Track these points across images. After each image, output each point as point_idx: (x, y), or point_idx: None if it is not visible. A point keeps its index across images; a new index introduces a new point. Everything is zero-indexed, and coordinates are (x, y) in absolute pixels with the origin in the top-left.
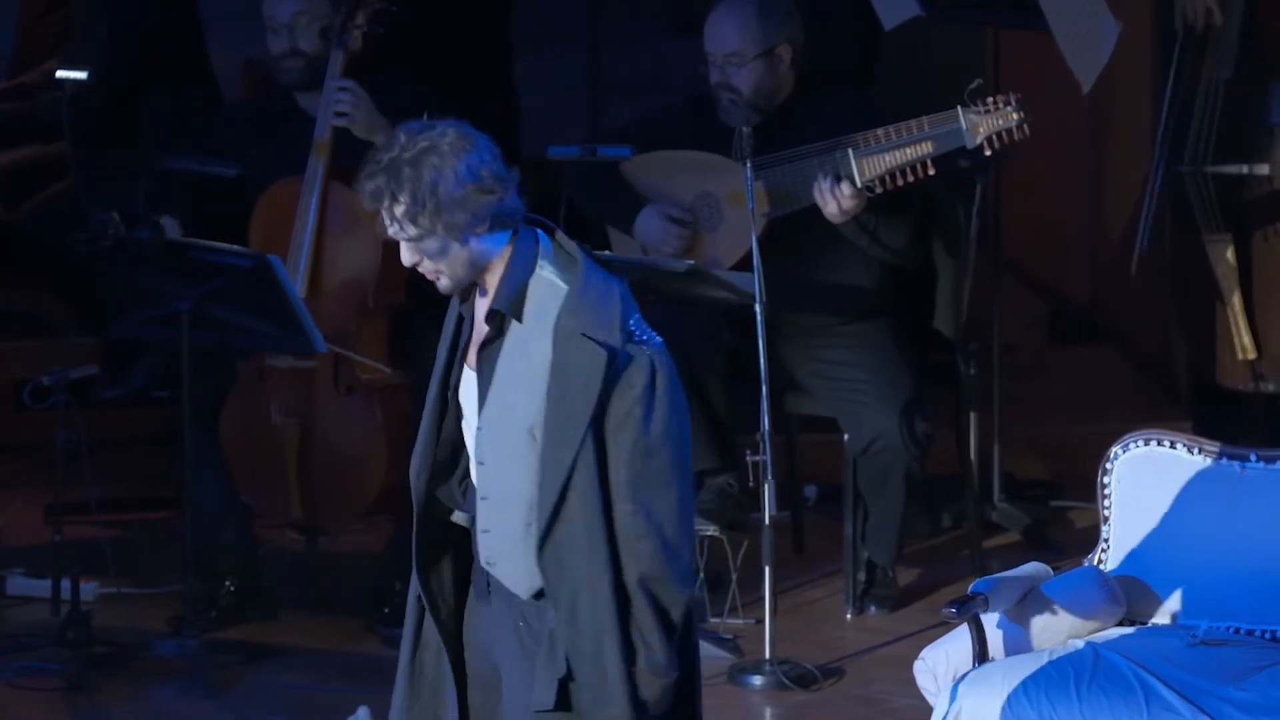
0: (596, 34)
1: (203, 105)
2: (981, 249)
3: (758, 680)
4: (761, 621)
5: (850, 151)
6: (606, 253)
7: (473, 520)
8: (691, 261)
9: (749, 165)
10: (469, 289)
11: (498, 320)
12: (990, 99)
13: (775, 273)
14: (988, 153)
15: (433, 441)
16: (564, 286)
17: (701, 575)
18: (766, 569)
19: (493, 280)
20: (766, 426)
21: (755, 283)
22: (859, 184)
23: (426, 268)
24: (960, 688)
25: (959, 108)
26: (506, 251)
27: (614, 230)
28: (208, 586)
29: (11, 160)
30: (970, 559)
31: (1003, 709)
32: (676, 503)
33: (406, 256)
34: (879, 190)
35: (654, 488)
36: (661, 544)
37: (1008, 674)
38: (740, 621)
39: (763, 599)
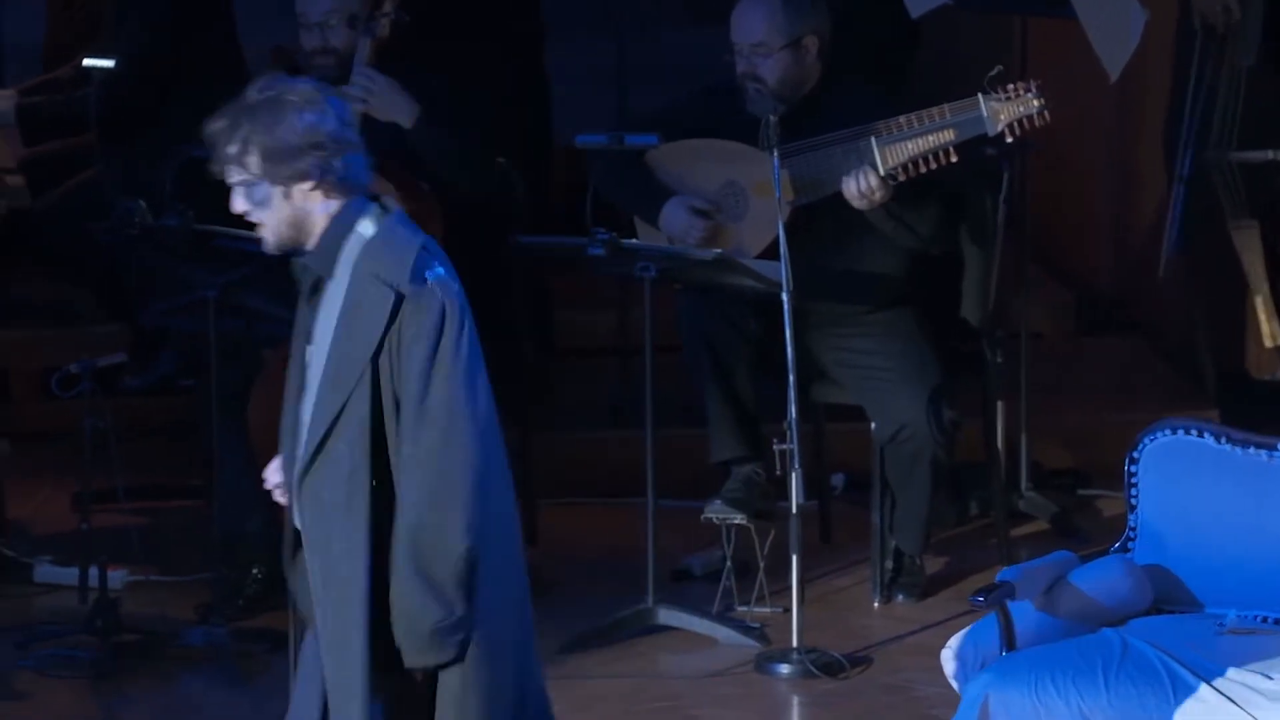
0: (623, 21)
1: (232, 93)
2: (1008, 237)
3: (785, 669)
4: (789, 610)
5: (873, 139)
6: (634, 240)
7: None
8: (719, 250)
9: (776, 154)
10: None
11: (310, 277)
12: (1011, 85)
13: (801, 261)
14: (1009, 139)
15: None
16: (368, 237)
17: (729, 563)
18: (794, 558)
19: (312, 243)
20: (793, 415)
21: (782, 271)
22: (882, 172)
23: (255, 218)
24: (987, 676)
25: (979, 95)
26: (329, 216)
27: (640, 220)
28: (235, 574)
29: (41, 151)
30: (997, 547)
31: (1030, 697)
32: (461, 449)
33: (237, 203)
34: (901, 178)
35: (437, 427)
36: (439, 485)
37: (1035, 662)
38: (767, 610)
39: (790, 588)
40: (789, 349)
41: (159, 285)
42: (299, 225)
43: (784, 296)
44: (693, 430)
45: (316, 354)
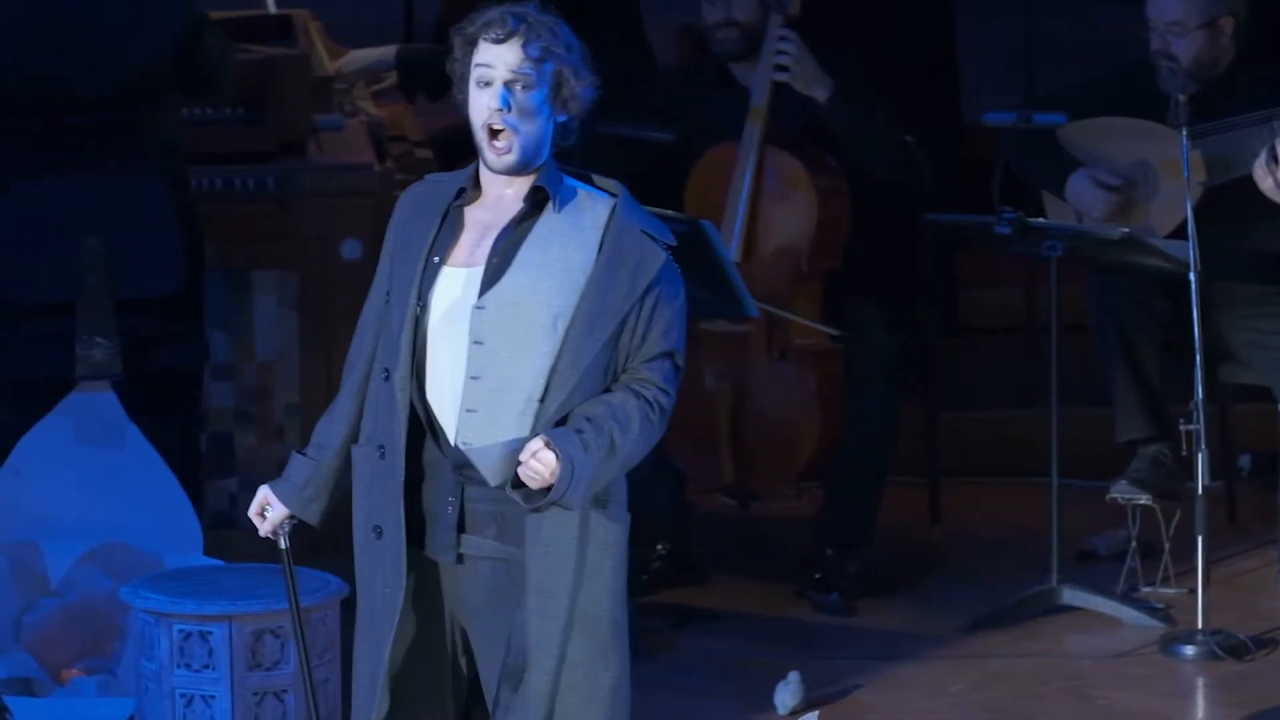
0: None
1: (637, 70)
2: None
3: (1190, 650)
4: (1194, 591)
5: None
6: (1041, 219)
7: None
8: (1127, 229)
9: (1185, 134)
10: (474, 192)
11: (536, 200)
12: None
13: (1211, 241)
14: None
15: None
16: (609, 197)
17: (1134, 544)
18: (1199, 539)
19: (519, 183)
20: (1200, 395)
21: (1190, 251)
22: None
23: (508, 121)
24: None
25: None
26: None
27: (1048, 197)
28: (639, 550)
29: (446, 126)
30: None
31: None
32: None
33: (494, 99)
34: None
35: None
36: (660, 418)
37: None
38: (1172, 591)
39: (1195, 569)
40: (1196, 329)
41: None
42: (537, 151)
43: (1191, 277)
44: (1098, 409)
45: (515, 276)
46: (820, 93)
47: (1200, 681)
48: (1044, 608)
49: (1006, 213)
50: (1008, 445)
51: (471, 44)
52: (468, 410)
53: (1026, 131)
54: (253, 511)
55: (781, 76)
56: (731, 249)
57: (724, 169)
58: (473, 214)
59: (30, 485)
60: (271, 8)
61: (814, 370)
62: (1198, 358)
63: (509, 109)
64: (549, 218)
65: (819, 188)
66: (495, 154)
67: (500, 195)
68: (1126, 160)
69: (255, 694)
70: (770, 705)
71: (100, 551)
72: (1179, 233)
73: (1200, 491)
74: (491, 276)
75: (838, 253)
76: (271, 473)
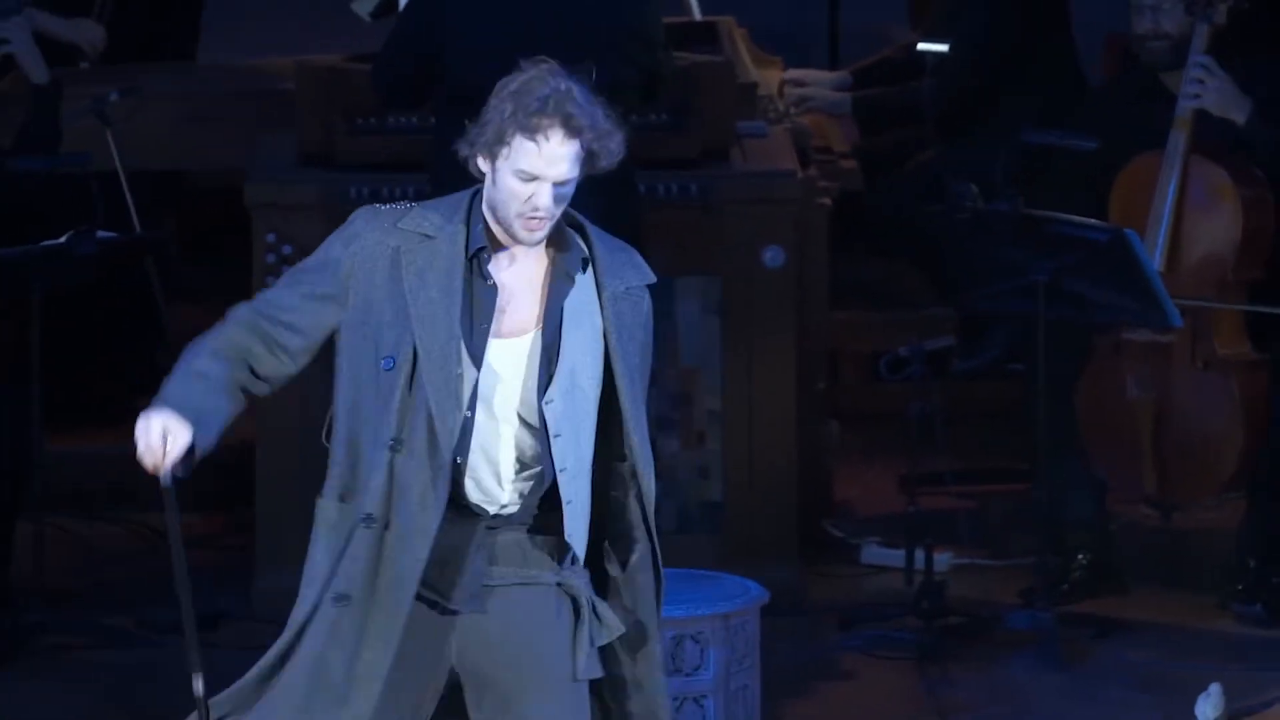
0: None
1: (1066, 80)
2: None
3: None
4: None
5: None
6: None
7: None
8: None
9: None
10: (479, 252)
11: (565, 276)
12: None
13: None
14: None
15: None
16: (575, 235)
17: None
18: None
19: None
20: None
21: None
22: None
23: (550, 213)
24: None
25: None
26: None
27: None
28: (1060, 560)
29: (882, 143)
30: None
31: None
32: None
33: (544, 201)
34: None
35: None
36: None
37: None
38: None
39: None
40: None
41: (980, 268)
42: None
43: None
44: None
45: (567, 358)
46: (1238, 115)
47: None
48: None
49: None
50: None
51: (514, 130)
52: (568, 503)
53: None
54: (154, 441)
55: (1196, 102)
56: (1155, 258)
57: (1148, 178)
58: (511, 265)
59: None
60: (697, 15)
61: (1238, 380)
62: None
63: (556, 209)
64: (579, 283)
65: (1244, 198)
66: (528, 233)
67: (523, 252)
68: None
69: (675, 699)
70: (1191, 717)
71: None
72: None
73: None
74: (550, 362)
75: (1263, 262)
76: (693, 477)
